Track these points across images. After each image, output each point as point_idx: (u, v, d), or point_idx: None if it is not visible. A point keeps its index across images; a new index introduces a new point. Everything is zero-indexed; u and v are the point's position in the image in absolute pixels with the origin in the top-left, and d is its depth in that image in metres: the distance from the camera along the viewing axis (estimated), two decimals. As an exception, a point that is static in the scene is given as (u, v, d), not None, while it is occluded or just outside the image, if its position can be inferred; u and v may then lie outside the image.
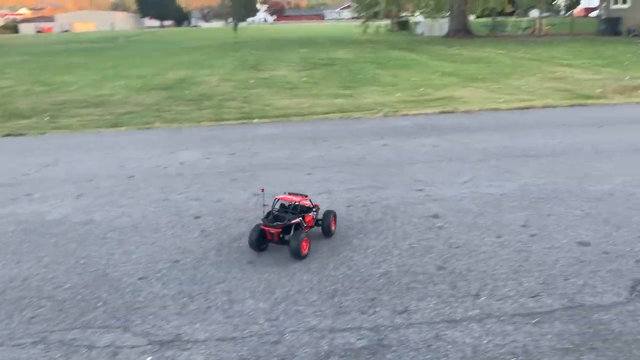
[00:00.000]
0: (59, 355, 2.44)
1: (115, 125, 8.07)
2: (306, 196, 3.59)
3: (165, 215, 4.16)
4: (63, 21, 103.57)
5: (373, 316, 2.68)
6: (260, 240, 3.37)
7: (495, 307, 2.71)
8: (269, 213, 3.46)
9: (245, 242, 3.54)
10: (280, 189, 4.67)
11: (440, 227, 3.72)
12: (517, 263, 3.15)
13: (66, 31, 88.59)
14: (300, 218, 3.43)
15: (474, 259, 3.23)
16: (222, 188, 4.78)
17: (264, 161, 5.66)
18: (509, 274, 3.02)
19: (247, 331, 2.58)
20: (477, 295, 2.82)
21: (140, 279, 3.14)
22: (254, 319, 2.69)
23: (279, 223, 3.33)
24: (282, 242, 3.34)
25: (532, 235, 3.54)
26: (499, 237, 3.53)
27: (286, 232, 3.37)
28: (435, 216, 3.94)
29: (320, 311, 2.74)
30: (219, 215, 4.12)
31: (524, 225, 3.70)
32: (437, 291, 2.89)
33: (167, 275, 3.17)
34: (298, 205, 3.51)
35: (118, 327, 2.65)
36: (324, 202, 4.32)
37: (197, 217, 4.09)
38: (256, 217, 4.05)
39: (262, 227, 3.35)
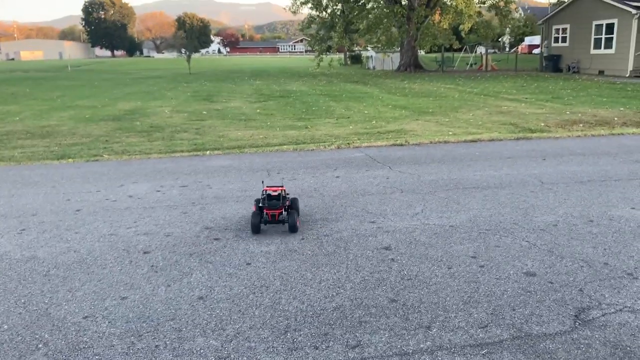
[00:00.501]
0: (-6, 402, 2.30)
1: (61, 157, 7.83)
2: (283, 186, 4.52)
3: (112, 250, 4.04)
4: (9, 49, 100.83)
5: (326, 351, 2.65)
6: (260, 223, 4.31)
7: (446, 338, 2.74)
8: (261, 200, 4.39)
9: (195, 276, 3.47)
10: (233, 223, 4.63)
11: (392, 259, 3.76)
12: (467, 294, 3.21)
13: (12, 59, 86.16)
14: (291, 201, 4.47)
15: (425, 291, 3.27)
16: (172, 222, 4.68)
17: (217, 194, 5.60)
18: (459, 305, 3.07)
19: (197, 370, 2.51)
20: (428, 327, 2.85)
21: (85, 317, 3.01)
22: (205, 357, 2.62)
23: (280, 204, 4.31)
24: (279, 221, 4.34)
25: (481, 266, 3.62)
26: (449, 268, 3.60)
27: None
28: (388, 248, 3.98)
29: (273, 347, 2.70)
30: (168, 249, 4.03)
31: (473, 257, 3.79)
32: (390, 324, 2.90)
33: (113, 313, 3.06)
34: (280, 193, 4.36)
35: (60, 370, 2.52)
36: (277, 235, 4.31)
37: (146, 252, 3.98)
38: (205, 251, 3.99)
39: (265, 210, 4.31)
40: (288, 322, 2.94)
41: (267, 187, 4.46)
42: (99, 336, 2.82)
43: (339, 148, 8.20)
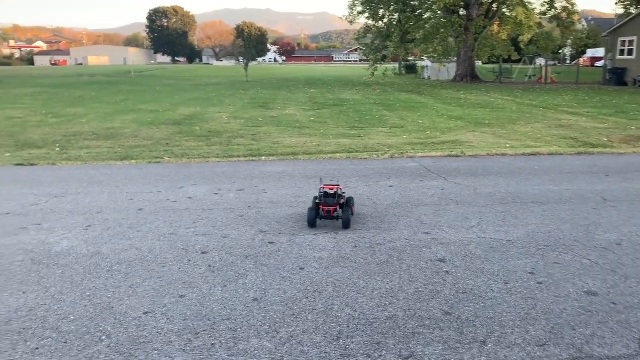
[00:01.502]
0: (62, 388, 2.42)
1: (125, 158, 8.17)
2: (339, 185, 4.88)
3: (172, 249, 4.18)
4: (78, 55, 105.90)
5: (379, 360, 2.65)
6: (316, 218, 4.64)
7: (502, 355, 2.68)
8: (319, 197, 4.73)
9: (250, 278, 3.55)
10: (287, 228, 4.70)
11: (447, 272, 3.72)
12: (524, 311, 3.13)
13: (80, 64, 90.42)
14: (346, 199, 4.80)
15: (481, 305, 3.21)
16: (229, 224, 4.80)
17: (272, 199, 5.69)
18: (516, 322, 3.00)
19: (251, 371, 2.56)
20: (484, 343, 2.80)
21: (145, 313, 3.13)
22: (259, 358, 2.67)
23: (335, 201, 4.64)
24: (334, 217, 4.62)
25: (540, 283, 3.52)
26: (506, 283, 3.52)
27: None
28: (442, 260, 3.93)
29: (325, 353, 2.72)
30: (225, 251, 4.14)
31: (531, 273, 3.69)
32: (444, 337, 2.87)
33: (172, 310, 3.17)
34: (336, 192, 4.68)
35: (122, 362, 2.63)
36: (330, 242, 4.34)
37: (204, 253, 4.10)
38: (260, 253, 4.06)
39: (321, 206, 4.63)
40: (340, 329, 2.96)
41: (325, 185, 4.82)
42: (158, 332, 2.93)
43: (392, 157, 8.17)
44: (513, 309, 3.15)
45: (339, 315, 3.11)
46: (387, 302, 3.26)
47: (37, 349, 2.75)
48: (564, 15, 31.40)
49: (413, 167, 7.42)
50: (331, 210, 4.59)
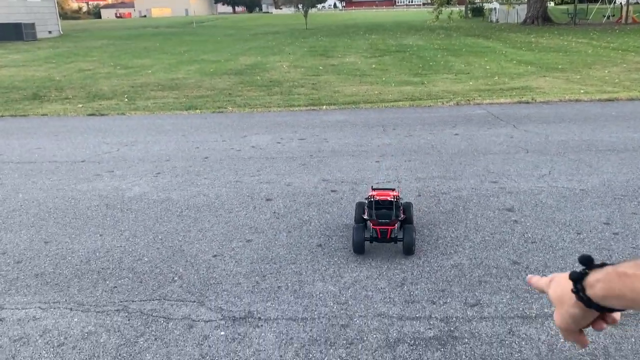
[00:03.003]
0: (139, 323, 2.57)
1: (189, 108, 8.33)
2: (394, 189, 3.48)
3: (238, 196, 4.27)
4: (142, 7, 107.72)
5: (443, 307, 2.64)
6: (365, 240, 3.17)
7: (573, 305, 2.60)
8: (366, 209, 3.29)
9: (314, 225, 3.59)
10: (349, 176, 4.68)
11: (515, 221, 3.61)
12: (597, 262, 2.99)
13: (144, 16, 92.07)
14: (403, 206, 3.33)
15: (551, 255, 3.11)
16: (291, 172, 4.84)
17: (333, 147, 5.67)
18: (589, 273, 2.89)
19: (316, 312, 2.62)
20: (554, 293, 2.71)
21: (214, 256, 3.24)
22: (324, 301, 2.72)
23: (388, 221, 3.14)
24: (391, 239, 3.15)
25: (615, 234, 3.36)
26: (578, 233, 3.38)
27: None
28: (510, 209, 3.82)
29: (389, 298, 2.73)
30: (289, 198, 4.18)
31: (606, 223, 3.52)
32: (511, 286, 2.81)
33: (240, 253, 3.26)
34: (393, 201, 3.28)
35: (193, 302, 2.75)
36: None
37: (268, 200, 4.17)
38: (323, 201, 4.08)
39: (372, 224, 3.16)
40: (404, 275, 2.95)
41: (375, 190, 3.48)
42: (227, 274, 3.03)
43: (457, 104, 7.91)
44: (586, 259, 3.02)
45: (403, 262, 3.10)
46: (452, 251, 3.22)
47: (115, 287, 2.92)
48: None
49: (480, 114, 7.15)
50: (387, 231, 3.15)
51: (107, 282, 2.98)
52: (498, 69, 11.84)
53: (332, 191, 4.32)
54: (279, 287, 2.87)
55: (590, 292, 0.79)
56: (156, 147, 5.93)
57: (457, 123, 6.61)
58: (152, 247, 3.40)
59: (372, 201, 3.29)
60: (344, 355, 2.30)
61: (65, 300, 2.80)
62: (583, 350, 2.28)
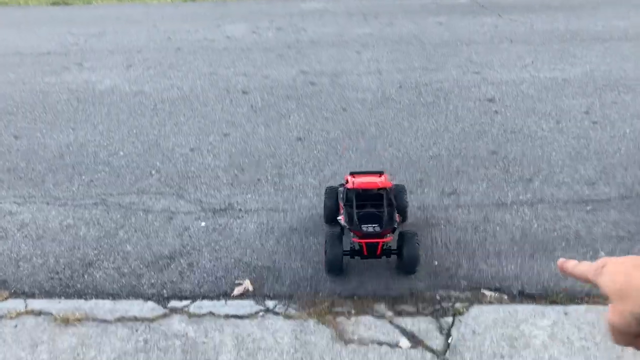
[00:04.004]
0: (119, 216, 2.56)
1: (159, -4, 7.84)
2: (382, 173, 2.28)
3: (213, 88, 4.13)
4: None
5: (421, 196, 2.67)
6: (342, 258, 2.08)
7: (548, 192, 2.65)
8: (344, 205, 2.18)
9: (293, 118, 3.52)
10: (329, 68, 4.54)
11: (495, 112, 3.58)
12: (575, 150, 3.02)
13: None
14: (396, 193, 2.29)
15: (529, 145, 3.12)
16: (268, 64, 4.67)
17: (312, 37, 5.45)
18: (565, 161, 2.92)
19: (296, 204, 2.63)
20: (530, 180, 2.76)
21: (191, 149, 3.19)
22: (304, 193, 2.73)
23: (379, 231, 2.04)
24: (383, 253, 2.07)
25: (594, 122, 3.36)
26: (558, 122, 3.38)
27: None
28: (491, 100, 3.77)
29: (369, 189, 2.74)
30: (266, 91, 4.06)
31: (585, 112, 3.51)
32: (488, 175, 2.83)
33: (217, 147, 3.21)
34: (383, 193, 2.18)
35: (172, 194, 2.74)
36: (373, 82, 4.19)
37: (245, 93, 4.05)
38: (302, 94, 3.98)
39: (356, 240, 2.06)
40: (383, 167, 2.94)
41: (354, 174, 2.26)
42: (205, 167, 2.99)
43: (442, -7, 7.56)
44: (563, 148, 3.05)
45: (382, 154, 3.09)
46: (431, 142, 3.21)
47: (92, 181, 2.88)
48: None
49: (464, 2, 6.87)
50: (378, 245, 2.04)
51: (83, 176, 2.93)
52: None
53: (311, 83, 4.20)
54: (258, 179, 2.86)
55: None
56: (126, 38, 5.63)
57: (440, 11, 6.36)
58: (127, 141, 3.32)
59: (352, 193, 2.16)
60: (323, 242, 2.34)
61: (42, 195, 2.76)
62: (555, 233, 2.35)
